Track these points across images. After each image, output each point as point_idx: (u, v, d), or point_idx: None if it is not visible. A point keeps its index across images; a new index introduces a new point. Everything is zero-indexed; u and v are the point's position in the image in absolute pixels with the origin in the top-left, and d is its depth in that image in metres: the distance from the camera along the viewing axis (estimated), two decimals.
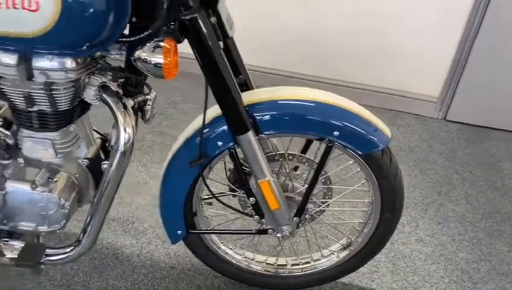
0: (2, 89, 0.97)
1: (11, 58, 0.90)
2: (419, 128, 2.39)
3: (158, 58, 0.87)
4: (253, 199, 1.14)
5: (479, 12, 2.19)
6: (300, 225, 1.20)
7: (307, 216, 1.21)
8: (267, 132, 1.07)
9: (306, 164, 1.18)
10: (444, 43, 2.33)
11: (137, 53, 0.89)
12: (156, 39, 0.88)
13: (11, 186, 1.04)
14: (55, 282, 1.36)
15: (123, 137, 1.02)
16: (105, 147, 1.18)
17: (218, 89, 0.98)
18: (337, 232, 1.38)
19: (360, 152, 1.09)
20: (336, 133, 1.05)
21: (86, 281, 1.38)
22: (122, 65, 1.02)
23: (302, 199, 1.16)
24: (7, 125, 1.06)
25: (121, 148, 1.02)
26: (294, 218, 1.17)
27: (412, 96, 2.49)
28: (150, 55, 0.88)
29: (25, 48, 0.89)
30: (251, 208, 1.19)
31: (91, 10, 0.83)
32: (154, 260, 1.48)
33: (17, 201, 1.05)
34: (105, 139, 1.20)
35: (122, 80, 1.05)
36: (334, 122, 1.05)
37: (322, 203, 1.22)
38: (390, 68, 2.48)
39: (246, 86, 1.16)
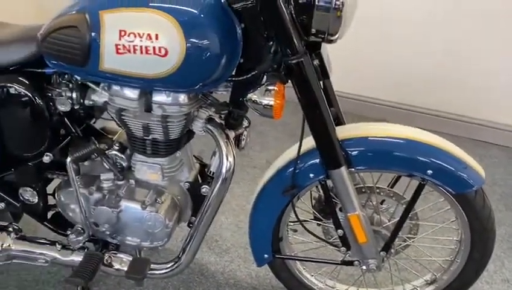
0: (124, 119, 1.09)
1: (133, 93, 1.03)
2: (504, 160, 2.30)
3: (269, 101, 0.95)
4: (341, 231, 1.18)
5: None
6: (385, 259, 1.21)
7: (392, 250, 1.22)
8: (358, 167, 1.11)
9: (394, 198, 1.20)
10: None
11: (250, 95, 0.97)
12: (266, 83, 0.96)
13: (124, 205, 1.17)
14: None
15: (225, 165, 1.11)
16: (203, 172, 1.27)
17: (316, 126, 1.03)
18: (422, 268, 1.37)
19: (453, 192, 1.09)
20: (430, 171, 1.07)
21: None
22: (227, 100, 1.12)
23: (390, 234, 1.17)
24: (122, 149, 1.19)
25: (223, 175, 1.11)
26: (381, 252, 1.19)
27: (498, 127, 2.41)
28: (260, 97, 0.96)
29: (148, 86, 1.01)
30: (336, 238, 1.23)
31: (208, 55, 0.93)
32: (236, 279, 1.56)
33: (128, 218, 1.17)
34: (203, 164, 1.30)
35: (225, 113, 1.14)
36: (428, 160, 1.07)
37: (408, 238, 1.23)
38: (476, 97, 2.42)
39: (338, 120, 1.21)
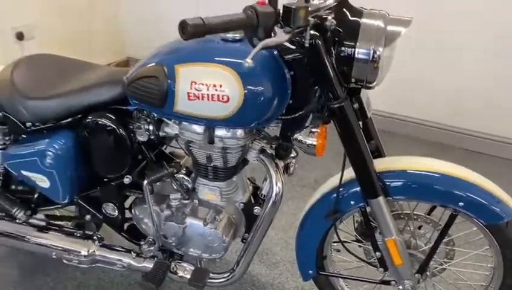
0: (191, 149, 1.29)
1: (199, 128, 1.22)
2: None
3: (312, 141, 1.11)
4: (379, 253, 1.30)
5: None
6: (421, 280, 1.32)
7: (428, 273, 1.32)
8: (396, 197, 1.23)
9: (430, 224, 1.31)
10: None
11: (296, 135, 1.14)
12: (311, 125, 1.12)
13: (189, 221, 1.36)
14: None
15: (275, 190, 1.27)
16: (256, 193, 1.45)
17: (355, 161, 1.17)
18: None
19: (483, 222, 1.18)
20: (461, 203, 1.17)
21: None
22: (277, 134, 1.28)
23: (425, 258, 1.28)
24: (188, 173, 1.39)
25: (273, 199, 1.28)
26: (416, 274, 1.29)
27: None
28: (305, 137, 1.12)
29: (211, 124, 1.19)
30: (375, 258, 1.35)
31: (262, 99, 1.11)
32: None
33: (191, 233, 1.37)
34: (255, 187, 1.47)
35: (275, 145, 1.31)
36: (459, 193, 1.17)
37: (444, 262, 1.33)
38: None
39: (378, 152, 1.33)
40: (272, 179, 1.28)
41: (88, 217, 1.51)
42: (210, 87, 1.09)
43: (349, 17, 1.06)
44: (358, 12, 1.07)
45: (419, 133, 2.83)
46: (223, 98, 1.10)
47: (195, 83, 1.10)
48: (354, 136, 1.12)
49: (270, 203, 1.29)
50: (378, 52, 1.04)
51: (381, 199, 1.19)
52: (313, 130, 1.12)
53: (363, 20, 1.05)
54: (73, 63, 1.50)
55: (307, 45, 1.01)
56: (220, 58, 1.10)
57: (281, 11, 0.94)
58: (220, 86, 1.09)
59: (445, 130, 2.74)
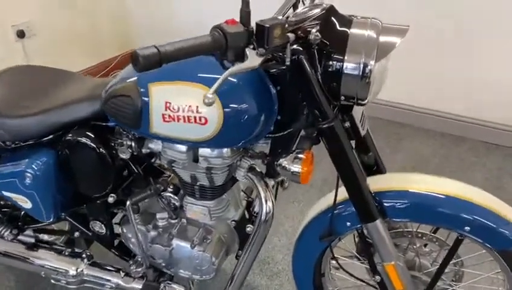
0: (174, 168, 1.21)
1: (182, 147, 1.14)
2: None
3: (296, 168, 1.01)
4: (379, 277, 1.20)
5: None
6: None
7: None
8: (395, 219, 1.12)
9: (437, 243, 1.20)
10: None
11: (280, 161, 1.04)
12: (296, 151, 1.02)
13: (176, 243, 1.29)
14: None
15: (264, 209, 1.18)
16: (250, 208, 1.37)
17: (348, 182, 1.06)
18: None
19: (493, 248, 1.07)
20: (467, 228, 1.06)
21: None
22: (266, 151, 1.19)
23: (430, 281, 1.18)
24: (176, 190, 1.31)
25: (263, 217, 1.19)
26: None
27: None
28: (290, 164, 1.02)
29: (193, 145, 1.11)
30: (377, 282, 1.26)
31: (246, 118, 1.01)
32: None
33: (179, 255, 1.30)
34: (250, 201, 1.39)
35: (267, 162, 1.22)
36: (465, 216, 1.06)
37: (450, 285, 1.22)
38: None
39: (377, 167, 1.22)
40: (262, 199, 1.19)
41: (77, 233, 1.46)
42: (186, 108, 1.00)
43: (337, 27, 0.94)
44: (347, 22, 0.95)
45: (432, 125, 2.71)
46: (200, 120, 1.00)
47: (170, 104, 1.01)
48: (345, 157, 1.02)
49: (261, 222, 1.21)
50: (369, 66, 0.92)
51: (378, 222, 1.09)
52: (299, 156, 1.02)
53: (352, 31, 0.93)
54: (55, 75, 1.42)
55: (287, 63, 0.90)
56: (196, 76, 1.00)
57: (254, 30, 0.83)
58: (197, 107, 0.99)
59: (460, 121, 2.62)
